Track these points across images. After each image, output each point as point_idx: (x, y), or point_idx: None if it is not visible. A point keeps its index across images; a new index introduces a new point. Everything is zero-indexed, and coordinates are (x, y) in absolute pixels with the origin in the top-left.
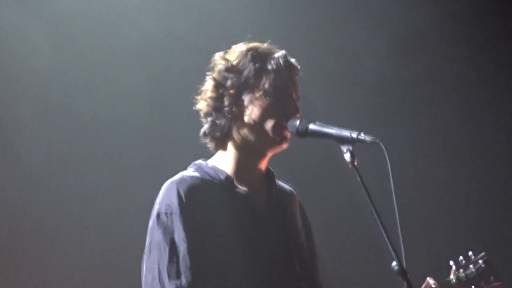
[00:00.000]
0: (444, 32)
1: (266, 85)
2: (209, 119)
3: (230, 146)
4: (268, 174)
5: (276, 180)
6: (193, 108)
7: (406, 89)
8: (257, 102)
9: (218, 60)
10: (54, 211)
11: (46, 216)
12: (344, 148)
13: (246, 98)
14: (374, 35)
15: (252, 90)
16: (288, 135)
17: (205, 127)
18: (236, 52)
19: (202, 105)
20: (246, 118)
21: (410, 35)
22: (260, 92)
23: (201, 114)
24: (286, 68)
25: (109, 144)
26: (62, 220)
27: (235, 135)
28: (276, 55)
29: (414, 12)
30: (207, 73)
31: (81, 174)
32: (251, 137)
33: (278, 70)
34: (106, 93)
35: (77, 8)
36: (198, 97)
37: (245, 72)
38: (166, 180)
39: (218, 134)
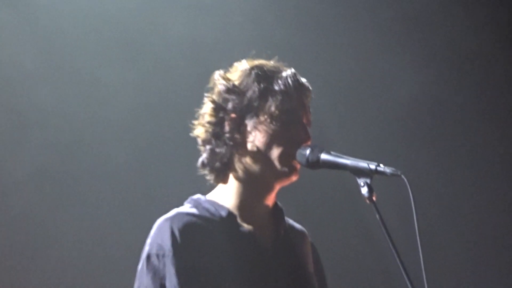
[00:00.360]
0: (475, 60)
1: (273, 108)
2: (208, 147)
3: (232, 178)
4: (276, 211)
5: (285, 218)
6: (190, 134)
7: (428, 117)
8: (262, 128)
9: (218, 80)
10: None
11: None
12: (361, 182)
13: (249, 123)
14: (398, 58)
15: (256, 114)
16: (298, 165)
17: (204, 156)
18: (238, 70)
19: (200, 131)
20: (249, 146)
21: (435, 59)
22: (266, 116)
23: (199, 141)
24: (296, 89)
25: (94, 176)
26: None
27: (237, 165)
28: (284, 74)
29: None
30: (205, 94)
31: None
32: (255, 167)
33: (286, 91)
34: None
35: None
36: (196, 122)
37: (249, 94)
38: (158, 217)
39: (218, 164)
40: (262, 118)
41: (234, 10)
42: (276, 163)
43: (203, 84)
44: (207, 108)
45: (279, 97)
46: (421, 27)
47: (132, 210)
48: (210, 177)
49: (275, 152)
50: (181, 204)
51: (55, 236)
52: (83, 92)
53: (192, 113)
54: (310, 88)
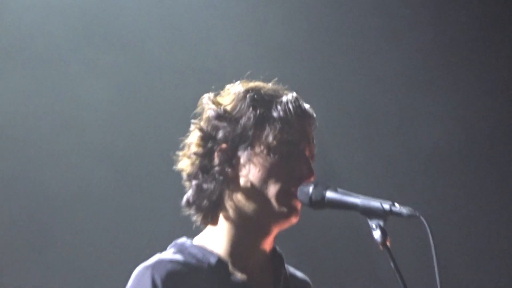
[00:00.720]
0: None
1: (270, 138)
2: (194, 182)
3: (222, 219)
4: (274, 257)
5: (285, 265)
6: (174, 168)
7: (449, 157)
8: (257, 161)
9: (207, 104)
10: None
11: None
12: (373, 224)
13: (243, 155)
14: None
15: (251, 145)
16: (299, 205)
17: (189, 193)
18: (231, 94)
19: (185, 164)
20: (242, 182)
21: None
22: (262, 147)
23: (184, 175)
24: (298, 116)
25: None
26: None
27: (228, 204)
28: (284, 98)
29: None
30: (192, 121)
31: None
32: (249, 207)
33: (286, 118)
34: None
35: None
36: (181, 153)
37: (243, 121)
38: (138, 264)
39: (205, 202)
40: (257, 150)
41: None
42: (274, 202)
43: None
44: (194, 137)
45: (278, 125)
46: (451, 74)
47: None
48: (196, 218)
49: (273, 189)
50: (164, 248)
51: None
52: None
53: (176, 143)
54: (314, 115)
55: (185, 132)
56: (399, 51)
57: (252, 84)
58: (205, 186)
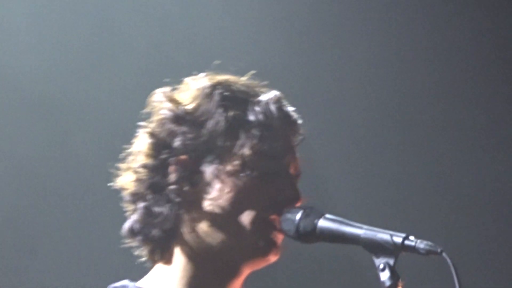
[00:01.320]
0: None
1: (245, 150)
2: (141, 204)
3: (177, 255)
4: None
5: None
6: (110, 185)
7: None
8: (227, 178)
9: (161, 102)
10: None
11: None
12: (381, 263)
13: (208, 171)
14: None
15: (219, 157)
16: (280, 238)
17: (134, 218)
18: (193, 89)
19: (128, 180)
20: (206, 206)
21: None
22: (234, 161)
23: (126, 195)
24: (281, 121)
25: None
26: None
27: (186, 235)
28: (263, 98)
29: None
30: (140, 123)
31: None
32: (214, 239)
33: (267, 124)
34: None
35: None
36: (122, 166)
37: (209, 125)
38: None
39: (156, 232)
40: (228, 164)
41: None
42: (247, 233)
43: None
44: (142, 144)
45: (256, 133)
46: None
47: None
48: (142, 253)
49: (247, 217)
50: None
51: None
52: None
53: (115, 151)
54: (300, 121)
55: (129, 137)
56: (405, 59)
57: (221, 77)
58: (156, 210)
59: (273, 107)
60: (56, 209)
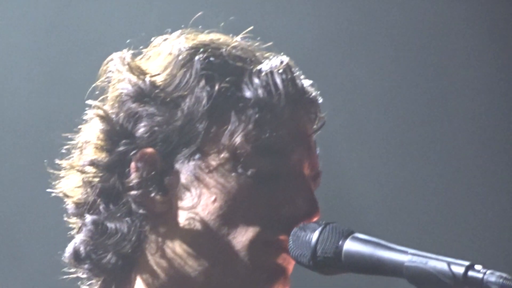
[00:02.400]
0: None
1: (238, 140)
2: (89, 219)
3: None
4: None
5: None
6: (49, 190)
7: None
8: (212, 181)
9: (120, 72)
10: None
11: None
12: None
13: (184, 169)
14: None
15: (201, 150)
16: (290, 266)
17: (79, 239)
18: (165, 53)
19: (71, 184)
20: (183, 220)
21: None
22: (223, 156)
23: (70, 205)
24: (291, 99)
25: None
26: None
27: (153, 262)
28: (265, 66)
29: None
30: (88, 102)
31: None
32: (194, 268)
33: (270, 103)
34: None
35: None
36: (63, 163)
37: (186, 104)
38: None
39: (111, 258)
40: (213, 160)
41: None
42: (243, 260)
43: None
44: (91, 132)
45: (252, 115)
46: None
47: None
48: (90, 286)
49: (241, 237)
50: None
51: None
52: None
53: (53, 143)
54: (320, 100)
55: (72, 124)
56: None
57: (204, 36)
58: (110, 226)
59: (278, 79)
60: (43, 211)
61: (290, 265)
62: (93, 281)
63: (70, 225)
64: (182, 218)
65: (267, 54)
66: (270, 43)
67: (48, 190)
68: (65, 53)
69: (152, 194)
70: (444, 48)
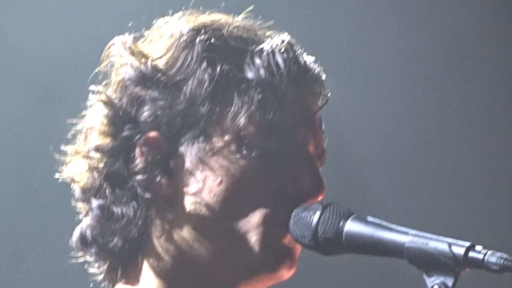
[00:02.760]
0: None
1: (242, 121)
2: (97, 203)
3: (146, 273)
4: None
5: None
6: (57, 177)
7: None
8: (217, 164)
9: (122, 56)
10: None
11: None
12: (434, 283)
13: (189, 153)
14: None
15: (205, 133)
16: (297, 249)
17: (86, 223)
18: (166, 36)
19: (77, 169)
20: (188, 203)
21: None
22: (227, 138)
23: (75, 190)
24: (294, 78)
25: None
26: None
27: (159, 246)
28: (267, 45)
29: None
30: (91, 88)
31: None
32: (200, 251)
33: (272, 83)
34: None
35: None
36: (69, 149)
37: (189, 87)
38: None
39: (117, 242)
40: (217, 142)
41: None
42: (249, 242)
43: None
44: (95, 117)
45: (255, 96)
46: None
47: None
48: (97, 270)
49: (247, 218)
50: None
51: None
52: None
53: (59, 130)
54: (323, 77)
55: (76, 110)
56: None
57: (205, 17)
58: (116, 210)
59: (280, 59)
60: (44, 210)
61: (297, 246)
62: (100, 264)
63: (77, 210)
64: (188, 201)
65: (269, 33)
66: (271, 21)
67: (56, 176)
68: (69, 37)
69: (158, 178)
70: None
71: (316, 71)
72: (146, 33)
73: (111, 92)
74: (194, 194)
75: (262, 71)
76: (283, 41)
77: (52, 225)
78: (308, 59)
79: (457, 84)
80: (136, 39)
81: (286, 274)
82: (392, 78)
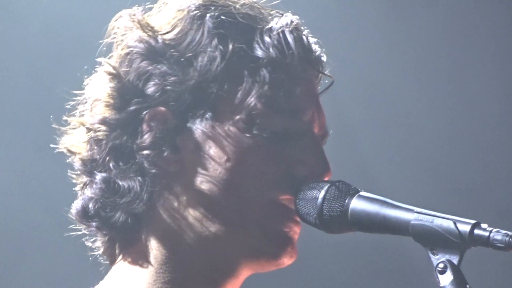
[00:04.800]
0: None
1: (252, 100)
2: (100, 176)
3: (150, 250)
4: None
5: None
6: (56, 148)
7: None
8: (226, 142)
9: (129, 29)
10: None
11: None
12: (440, 261)
13: (197, 129)
14: None
15: (214, 110)
16: (297, 231)
17: (87, 196)
18: (174, 10)
19: (79, 141)
20: (195, 180)
21: None
22: (237, 117)
23: (76, 162)
24: (302, 59)
25: None
26: None
27: (165, 222)
28: (276, 24)
29: None
30: (99, 59)
31: None
32: (205, 229)
33: (282, 62)
34: None
35: None
36: (71, 120)
37: (199, 63)
38: None
39: (120, 217)
40: (227, 120)
41: None
42: (253, 222)
43: None
44: (100, 89)
45: (266, 75)
46: None
47: None
48: (98, 245)
49: (254, 197)
50: None
51: None
52: None
53: (60, 99)
54: (324, 58)
55: (79, 80)
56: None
57: None
58: (122, 184)
59: (290, 38)
60: (46, 210)
61: (296, 235)
62: (100, 238)
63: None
64: (195, 177)
65: (272, 12)
66: (277, 1)
67: (52, 145)
68: (70, 12)
69: (165, 154)
70: None
71: (319, 53)
72: (154, 6)
73: (118, 65)
74: (201, 170)
75: (272, 50)
76: (291, 21)
77: (52, 225)
78: (312, 39)
79: (452, 76)
80: (144, 12)
81: (286, 262)
82: (391, 66)
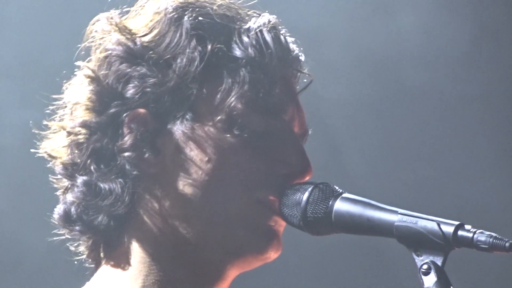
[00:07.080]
0: None
1: (232, 100)
2: (82, 180)
3: (133, 252)
4: None
5: None
6: (36, 152)
7: None
8: (206, 143)
9: (108, 32)
10: None
11: None
12: (424, 262)
13: (178, 131)
14: None
15: (194, 111)
16: (282, 226)
17: (69, 200)
18: (152, 12)
19: (59, 145)
20: (177, 181)
21: None
22: (217, 118)
23: (57, 166)
24: (281, 58)
25: None
26: None
27: (147, 224)
28: (253, 24)
29: None
30: (78, 63)
31: None
32: (188, 230)
33: (262, 62)
34: None
35: None
36: (52, 124)
37: (178, 64)
38: None
39: (103, 220)
40: (206, 121)
41: None
42: (236, 222)
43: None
44: (80, 93)
45: (245, 75)
46: None
47: None
48: (81, 249)
49: (235, 198)
50: None
51: None
52: None
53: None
54: (302, 58)
55: (58, 84)
56: None
57: None
58: (104, 187)
59: (268, 38)
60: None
61: (281, 228)
62: (83, 242)
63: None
64: (176, 179)
65: (250, 12)
66: (254, 1)
67: (32, 150)
68: (50, 14)
69: (146, 155)
70: None
71: (297, 52)
72: (130, 9)
73: (97, 68)
74: (182, 172)
75: (251, 50)
76: (269, 21)
77: (51, 225)
78: (289, 38)
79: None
80: (120, 16)
81: (272, 255)
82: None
